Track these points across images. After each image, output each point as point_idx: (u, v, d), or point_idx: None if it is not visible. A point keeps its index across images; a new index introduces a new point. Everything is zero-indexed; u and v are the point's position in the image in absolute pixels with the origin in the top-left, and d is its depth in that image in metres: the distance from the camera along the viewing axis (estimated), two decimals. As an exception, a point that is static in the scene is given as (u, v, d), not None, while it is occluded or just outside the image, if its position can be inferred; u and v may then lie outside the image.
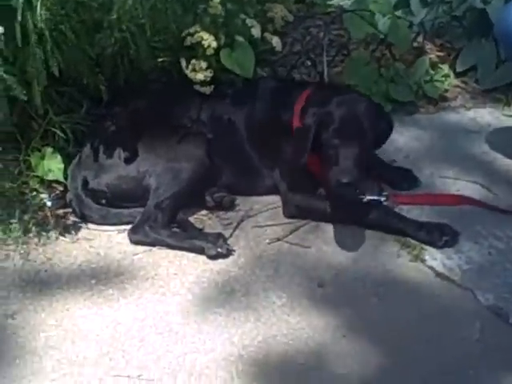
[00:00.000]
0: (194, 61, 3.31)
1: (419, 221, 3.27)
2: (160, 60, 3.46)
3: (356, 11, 3.86)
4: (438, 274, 3.09)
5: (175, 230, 3.28)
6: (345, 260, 3.17)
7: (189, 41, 3.32)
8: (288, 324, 2.88)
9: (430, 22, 4.22)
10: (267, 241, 3.27)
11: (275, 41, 3.53)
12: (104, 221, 3.33)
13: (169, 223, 3.25)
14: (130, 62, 3.37)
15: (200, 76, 3.31)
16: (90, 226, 3.35)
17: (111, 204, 3.35)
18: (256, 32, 3.44)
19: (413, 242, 3.23)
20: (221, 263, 3.15)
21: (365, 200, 3.23)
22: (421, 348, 2.77)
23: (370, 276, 3.09)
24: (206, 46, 3.27)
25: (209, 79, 3.35)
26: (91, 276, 3.10)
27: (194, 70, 3.32)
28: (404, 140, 3.86)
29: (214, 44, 3.28)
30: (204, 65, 3.31)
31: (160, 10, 3.12)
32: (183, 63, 3.36)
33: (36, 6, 2.86)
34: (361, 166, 3.11)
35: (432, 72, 4.05)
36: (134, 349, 2.77)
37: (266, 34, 3.51)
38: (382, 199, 3.30)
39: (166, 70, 3.55)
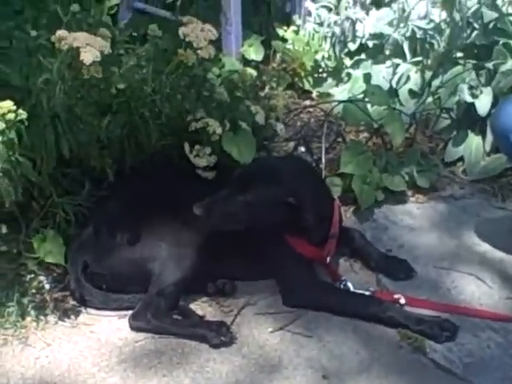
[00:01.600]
0: (198, 146, 3.34)
1: (419, 315, 3.29)
2: (163, 143, 3.46)
3: (353, 101, 3.95)
4: (439, 366, 3.10)
5: (176, 317, 3.25)
6: (347, 350, 3.17)
7: (193, 126, 3.35)
8: (294, 418, 2.87)
9: (419, 114, 4.31)
10: (270, 329, 3.26)
11: (279, 128, 3.59)
12: (104, 305, 3.30)
13: (171, 310, 3.22)
14: (136, 146, 3.38)
15: (203, 162, 3.34)
16: (90, 310, 3.31)
17: (111, 288, 3.32)
18: (260, 119, 3.49)
19: (413, 334, 3.24)
20: (224, 352, 3.12)
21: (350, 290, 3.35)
22: None
23: (373, 368, 3.09)
24: (211, 133, 3.30)
25: (212, 165, 3.37)
26: (93, 363, 3.05)
27: (197, 155, 3.35)
28: (397, 229, 3.91)
29: (219, 130, 3.32)
30: (208, 150, 3.34)
31: (174, 97, 3.14)
32: (187, 148, 3.38)
33: (54, 90, 2.86)
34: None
35: (423, 162, 4.12)
36: None
37: (271, 121, 3.56)
38: (367, 293, 3.36)
39: (168, 153, 3.55)
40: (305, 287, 3.38)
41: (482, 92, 4.22)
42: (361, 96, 4.24)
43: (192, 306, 3.36)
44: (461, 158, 4.33)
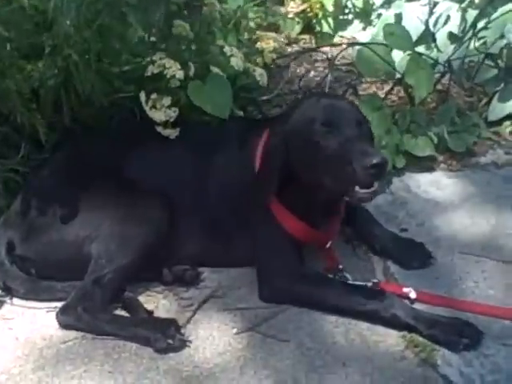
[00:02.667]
0: (154, 95, 2.62)
1: (433, 315, 2.53)
2: (121, 96, 2.75)
3: (368, 44, 3.14)
4: (453, 386, 2.35)
5: (118, 312, 2.59)
6: (332, 361, 2.45)
7: (150, 70, 2.63)
8: None
9: (458, 61, 3.48)
10: (235, 330, 2.55)
11: (259, 73, 2.83)
12: (32, 295, 2.66)
13: (110, 304, 2.56)
14: (77, 98, 2.68)
15: (160, 115, 2.62)
16: (15, 301, 2.67)
17: (41, 274, 2.67)
18: (236, 62, 2.73)
19: (422, 340, 2.49)
20: (172, 359, 2.45)
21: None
22: None
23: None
24: (169, 77, 2.56)
25: (172, 119, 2.65)
26: (3, 369, 2.42)
27: (153, 106, 2.63)
28: (419, 203, 3.14)
29: (180, 74, 2.59)
30: (167, 101, 2.62)
31: (109, 31, 2.42)
32: (142, 97, 2.68)
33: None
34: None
35: (458, 121, 3.31)
36: None
37: (249, 66, 2.79)
38: (369, 285, 2.63)
39: (127, 108, 2.86)
40: (288, 276, 2.65)
41: (535, 34, 3.38)
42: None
43: (142, 297, 2.69)
44: (508, 117, 3.48)
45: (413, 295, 2.62)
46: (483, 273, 2.79)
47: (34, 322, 2.60)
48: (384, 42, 3.24)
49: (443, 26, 3.71)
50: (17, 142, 2.83)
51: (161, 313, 2.62)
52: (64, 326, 2.54)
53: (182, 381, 2.37)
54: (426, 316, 2.52)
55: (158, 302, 2.66)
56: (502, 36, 3.48)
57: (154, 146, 2.79)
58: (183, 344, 2.47)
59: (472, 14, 3.67)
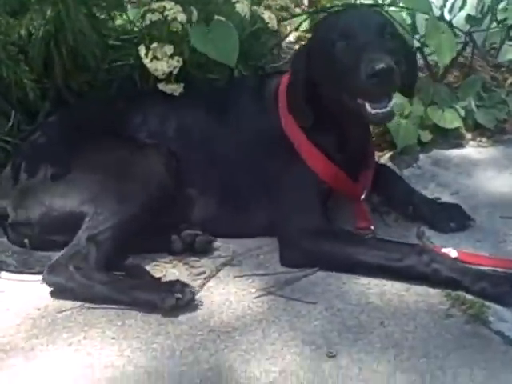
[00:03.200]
0: (154, 44, 2.38)
1: (480, 269, 2.22)
2: (120, 54, 2.52)
3: (383, 5, 2.92)
4: (509, 341, 2.03)
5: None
6: (368, 321, 2.13)
7: (148, 18, 2.39)
8: (277, 410, 1.83)
9: (480, 35, 3.26)
10: (254, 294, 2.24)
11: (267, 16, 2.59)
12: (24, 268, 2.37)
13: (106, 265, 2.24)
14: (70, 55, 2.44)
15: (163, 66, 2.38)
16: (5, 275, 2.37)
17: (35, 245, 2.38)
18: (242, 8, 2.51)
19: (470, 297, 2.17)
20: (183, 323, 2.13)
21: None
22: None
23: (404, 343, 2.05)
24: (170, 19, 2.33)
25: (176, 71, 2.40)
26: (-10, 339, 2.09)
27: (155, 57, 2.38)
28: (450, 175, 2.87)
29: (182, 17, 2.35)
30: (169, 49, 2.38)
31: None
32: (142, 51, 2.43)
33: None
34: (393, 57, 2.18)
35: (485, 96, 3.07)
36: None
37: (257, 9, 2.56)
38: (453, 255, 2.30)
39: (126, 74, 2.62)
40: (314, 235, 2.34)
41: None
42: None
43: (148, 268, 2.38)
44: (540, 95, 3.26)
45: (454, 254, 2.31)
46: (530, 236, 2.49)
47: (26, 293, 2.29)
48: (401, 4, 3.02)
49: (460, 11, 3.49)
50: (6, 112, 2.57)
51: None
52: (52, 285, 2.24)
53: (195, 344, 2.05)
54: (472, 270, 2.22)
55: (167, 272, 2.35)
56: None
57: (158, 105, 2.54)
58: (193, 301, 2.15)
59: (489, -3, 3.47)
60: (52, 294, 2.26)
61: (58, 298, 2.24)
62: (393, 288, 2.26)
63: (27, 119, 2.62)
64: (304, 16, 3.38)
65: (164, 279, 2.30)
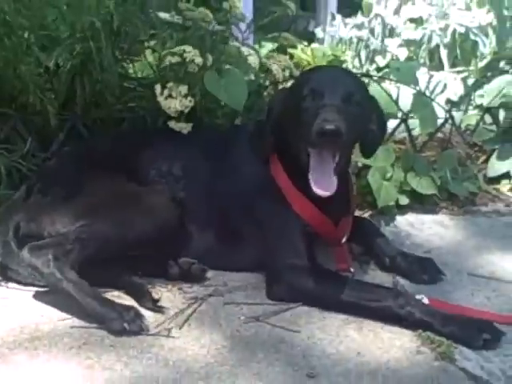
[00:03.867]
0: (170, 84, 2.61)
1: (448, 314, 2.43)
2: (134, 95, 2.75)
3: (374, 76, 3.20)
4: (474, 378, 2.22)
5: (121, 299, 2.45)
6: (345, 350, 2.32)
7: (168, 60, 2.64)
8: (262, 419, 2.00)
9: (459, 114, 3.56)
10: (242, 318, 2.42)
11: (275, 68, 2.84)
12: (33, 280, 2.50)
13: (81, 263, 2.40)
14: (92, 88, 2.67)
15: (176, 104, 2.61)
16: (10, 284, 2.53)
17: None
18: (254, 60, 2.76)
19: (438, 338, 2.38)
20: (178, 339, 2.31)
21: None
22: None
23: (378, 372, 2.23)
24: (188, 61, 2.57)
25: (187, 110, 2.63)
26: (-5, 337, 2.24)
27: (170, 95, 2.61)
28: (423, 236, 3.11)
29: (199, 60, 2.59)
30: (183, 89, 2.61)
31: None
32: (158, 89, 2.66)
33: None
34: (349, 124, 2.41)
35: (460, 170, 3.34)
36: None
37: (267, 61, 2.82)
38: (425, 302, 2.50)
39: (139, 114, 2.84)
40: (300, 272, 2.54)
41: (531, 100, 3.49)
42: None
43: (145, 289, 2.55)
44: (506, 175, 3.53)
45: (425, 301, 2.52)
46: (494, 291, 2.72)
47: (29, 301, 2.47)
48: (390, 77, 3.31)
49: (440, 94, 3.80)
50: (24, 139, 2.77)
51: (164, 304, 2.48)
52: (28, 264, 2.39)
53: (187, 357, 2.22)
54: (442, 313, 2.43)
55: (162, 295, 2.52)
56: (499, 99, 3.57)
57: (165, 145, 2.76)
58: (142, 330, 2.30)
59: (468, 83, 3.78)
60: (55, 303, 2.43)
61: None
62: (369, 325, 2.45)
63: (41, 147, 2.80)
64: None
65: (160, 303, 2.48)
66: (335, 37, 4.21)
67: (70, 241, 2.40)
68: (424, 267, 2.75)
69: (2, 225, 2.58)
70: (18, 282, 2.55)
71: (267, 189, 2.62)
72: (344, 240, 2.68)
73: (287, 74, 2.95)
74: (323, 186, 2.45)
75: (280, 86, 3.03)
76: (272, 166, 2.65)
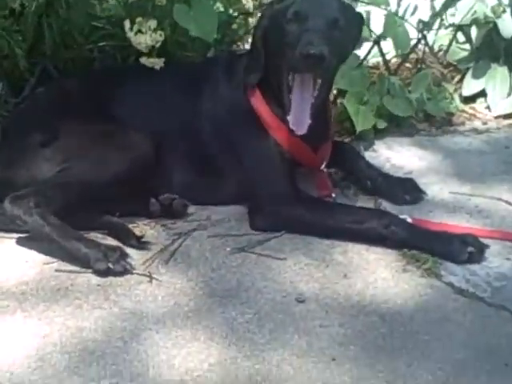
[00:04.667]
0: (139, 18, 2.57)
1: (432, 231, 2.45)
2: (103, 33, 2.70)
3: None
4: (460, 291, 2.25)
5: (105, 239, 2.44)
6: (333, 275, 2.34)
7: (135, -6, 2.59)
8: (254, 344, 2.03)
9: (431, 36, 3.53)
10: (228, 249, 2.43)
11: (245, -2, 2.80)
12: (11, 225, 2.47)
13: (63, 208, 2.37)
14: (60, 29, 2.62)
15: (147, 39, 2.57)
16: (-9, 232, 2.52)
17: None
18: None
19: (424, 255, 2.40)
20: (164, 274, 2.32)
21: None
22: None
23: (366, 292, 2.26)
24: (155, -6, 2.52)
25: (158, 45, 2.59)
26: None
27: (139, 31, 2.57)
28: (403, 158, 3.11)
29: (166, -7, 2.55)
30: (153, 23, 2.57)
31: None
32: (127, 25, 2.62)
33: None
34: (333, 48, 2.39)
35: (435, 89, 3.33)
36: (27, 371, 1.90)
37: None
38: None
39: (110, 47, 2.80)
40: (282, 200, 2.53)
41: (504, 11, 3.45)
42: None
43: (128, 228, 2.54)
44: (482, 93, 3.52)
45: (409, 221, 2.53)
46: (476, 207, 2.75)
47: (13, 247, 2.45)
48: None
49: (412, 15, 3.75)
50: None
51: (149, 241, 2.47)
52: (10, 215, 2.35)
53: (175, 291, 2.23)
54: (426, 231, 2.44)
55: (146, 232, 2.52)
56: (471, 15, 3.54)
57: (138, 78, 2.72)
58: (127, 270, 2.29)
59: (439, 2, 3.74)
60: (38, 248, 2.42)
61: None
62: (354, 248, 2.47)
63: (12, 92, 2.76)
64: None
65: (144, 239, 2.47)
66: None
67: (49, 187, 2.38)
68: (405, 188, 2.76)
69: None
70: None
71: (246, 118, 2.60)
72: (324, 166, 2.67)
73: (257, 2, 2.91)
74: (300, 124, 2.44)
75: (251, 16, 3.00)
76: (251, 95, 2.62)
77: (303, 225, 2.51)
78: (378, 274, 2.33)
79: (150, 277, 2.28)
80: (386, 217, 2.45)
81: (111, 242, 2.45)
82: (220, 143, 2.62)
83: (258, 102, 2.60)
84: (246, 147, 2.59)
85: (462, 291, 2.26)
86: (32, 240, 2.43)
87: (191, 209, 2.65)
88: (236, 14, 2.99)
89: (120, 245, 2.41)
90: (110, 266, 2.28)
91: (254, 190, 2.55)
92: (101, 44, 2.83)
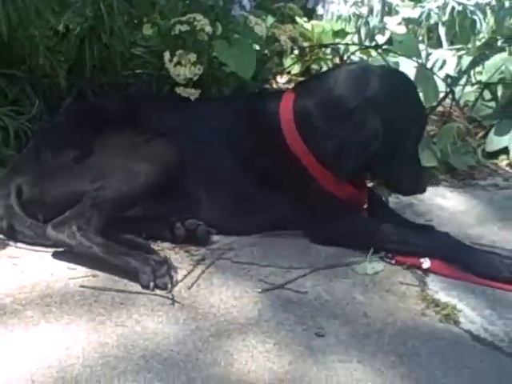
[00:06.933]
0: (180, 51, 2.63)
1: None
2: (143, 60, 2.77)
3: (378, 47, 3.23)
4: (477, 339, 2.27)
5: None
6: (353, 311, 2.36)
7: (178, 29, 2.65)
8: (273, 373, 2.03)
9: (458, 89, 3.60)
10: (249, 280, 2.46)
11: (283, 40, 2.86)
12: (39, 240, 2.52)
13: (104, 230, 2.45)
14: (101, 53, 2.68)
15: (185, 71, 2.62)
16: (19, 245, 2.55)
17: (49, 220, 2.54)
18: (260, 30, 2.78)
19: (443, 300, 2.43)
20: (185, 299, 2.33)
21: None
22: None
23: (385, 331, 2.28)
24: (198, 29, 2.59)
25: (196, 78, 2.66)
26: (6, 294, 2.27)
27: (179, 63, 2.63)
28: (425, 206, 3.14)
29: (209, 29, 2.61)
30: (192, 57, 2.63)
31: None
32: (166, 56, 2.68)
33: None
34: None
35: (459, 143, 3.38)
36: (49, 380, 1.92)
37: (275, 31, 2.84)
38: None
39: (146, 81, 2.86)
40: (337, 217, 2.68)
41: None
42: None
43: (152, 250, 2.57)
44: (504, 150, 3.58)
45: (427, 264, 2.58)
46: (498, 259, 2.76)
47: (39, 260, 2.48)
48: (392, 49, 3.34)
49: (439, 70, 3.83)
50: (32, 100, 2.78)
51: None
52: (54, 240, 2.43)
53: (196, 315, 2.25)
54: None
55: (170, 257, 2.55)
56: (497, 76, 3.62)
57: (174, 107, 2.77)
58: (168, 287, 2.34)
59: (467, 60, 3.82)
60: (63, 263, 2.45)
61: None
62: (375, 288, 2.49)
63: (49, 110, 2.82)
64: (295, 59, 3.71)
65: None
66: (335, 14, 4.23)
67: (88, 208, 2.43)
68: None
69: (4, 188, 2.59)
70: (26, 244, 2.55)
71: (283, 159, 2.67)
72: (365, 206, 2.74)
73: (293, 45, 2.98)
74: None
75: (285, 57, 3.07)
76: (289, 138, 2.67)
77: (368, 236, 2.66)
78: (397, 316, 2.35)
79: (173, 300, 2.31)
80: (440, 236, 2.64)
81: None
82: (255, 182, 2.69)
83: (301, 148, 2.65)
84: (290, 187, 2.68)
85: (479, 339, 2.27)
86: (58, 255, 2.47)
87: (214, 237, 2.69)
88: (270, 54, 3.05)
89: (168, 257, 2.47)
90: (151, 283, 2.32)
91: (310, 216, 2.68)
92: (138, 71, 2.87)
